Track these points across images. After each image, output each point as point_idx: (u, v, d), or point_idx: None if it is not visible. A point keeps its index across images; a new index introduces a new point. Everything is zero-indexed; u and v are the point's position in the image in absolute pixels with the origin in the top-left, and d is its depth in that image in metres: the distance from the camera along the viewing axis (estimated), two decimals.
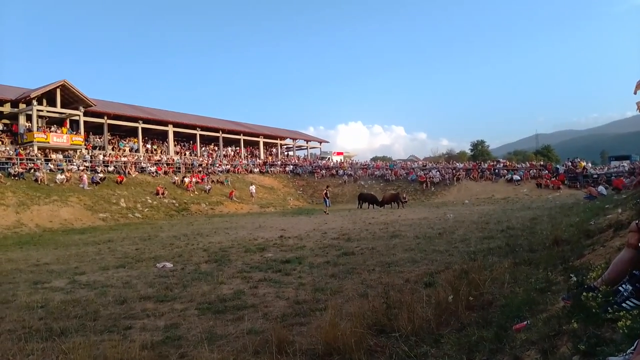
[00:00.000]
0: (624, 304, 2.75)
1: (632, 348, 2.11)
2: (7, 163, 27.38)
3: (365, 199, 29.66)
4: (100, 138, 39.66)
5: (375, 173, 44.04)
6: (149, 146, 43.06)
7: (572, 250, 6.24)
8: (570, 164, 37.73)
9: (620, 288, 2.95)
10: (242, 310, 5.70)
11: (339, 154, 68.76)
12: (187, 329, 5.04)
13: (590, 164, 39.03)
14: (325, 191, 29.13)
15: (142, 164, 35.91)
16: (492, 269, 6.23)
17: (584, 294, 3.05)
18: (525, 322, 3.53)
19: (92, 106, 36.47)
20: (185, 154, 44.74)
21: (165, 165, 37.48)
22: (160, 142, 45.26)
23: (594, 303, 2.92)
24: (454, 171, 40.84)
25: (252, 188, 35.87)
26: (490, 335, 3.47)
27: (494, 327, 3.68)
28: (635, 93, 9.23)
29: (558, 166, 39.39)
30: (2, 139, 32.56)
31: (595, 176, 33.95)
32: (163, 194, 30.64)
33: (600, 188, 24.17)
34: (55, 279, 8.63)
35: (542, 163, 43.87)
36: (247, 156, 51.08)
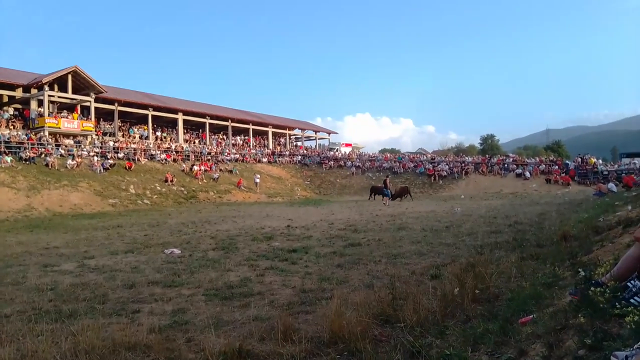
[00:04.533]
0: (632, 300, 2.75)
1: (639, 344, 2.11)
2: (18, 147, 27.67)
3: (377, 191, 29.11)
4: (110, 124, 39.89)
5: (384, 165, 43.95)
6: (158, 134, 43.27)
7: (580, 246, 6.21)
8: (580, 160, 37.39)
9: (628, 284, 2.94)
10: (249, 298, 5.74)
11: (347, 145, 68.63)
12: (194, 314, 5.08)
13: (600, 161, 38.63)
14: (385, 180, 27.49)
15: (152, 151, 36.11)
16: (498, 263, 6.23)
17: (592, 289, 3.04)
18: (531, 316, 3.53)
19: (102, 92, 36.65)
20: (194, 142, 44.91)
21: (174, 152, 37.66)
22: (170, 129, 45.45)
23: (601, 298, 2.91)
24: (463, 165, 40.66)
25: (257, 178, 35.90)
26: (495, 328, 3.47)
27: (500, 320, 3.69)
28: None
29: (568, 162, 39.04)
30: (14, 124, 32.86)
31: (606, 173, 33.63)
32: (172, 181, 30.84)
33: (610, 185, 23.94)
34: (65, 262, 8.73)
35: (552, 158, 43.48)
36: (255, 146, 51.16)
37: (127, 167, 30.63)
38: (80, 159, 29.02)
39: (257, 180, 35.64)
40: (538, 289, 4.25)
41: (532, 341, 3.05)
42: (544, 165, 37.84)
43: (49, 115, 32.92)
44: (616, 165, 37.23)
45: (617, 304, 2.76)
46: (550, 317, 3.21)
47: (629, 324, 2.41)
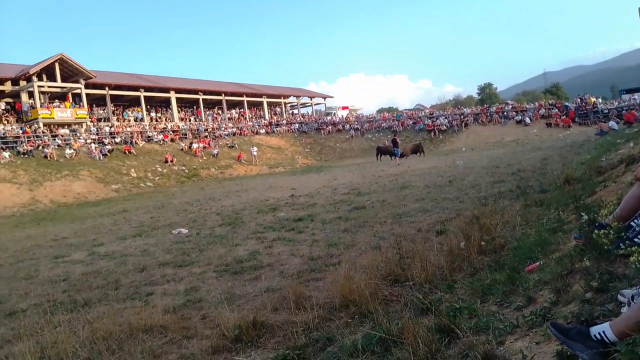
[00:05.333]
0: (636, 239, 2.75)
1: None
2: (15, 142, 27.54)
3: (383, 151, 28.65)
4: (103, 110, 39.52)
5: (382, 125, 43.64)
6: (153, 114, 42.89)
7: (583, 188, 6.21)
8: (580, 100, 36.98)
9: (632, 223, 2.94)
10: (259, 270, 5.82)
11: (344, 108, 68.02)
12: (206, 291, 5.16)
13: (600, 99, 38.19)
14: (395, 139, 26.35)
15: (148, 132, 35.90)
16: (503, 213, 6.25)
17: (596, 231, 3.05)
18: (537, 263, 3.56)
19: (92, 78, 36.15)
20: (189, 120, 44.54)
21: (171, 132, 37.43)
22: (164, 109, 45.01)
23: (605, 240, 2.92)
24: (462, 117, 40.30)
25: (254, 150, 35.71)
26: (503, 278, 3.51)
27: (507, 269, 3.73)
28: None
29: (567, 104, 38.63)
30: (7, 118, 32.59)
31: (606, 111, 33.30)
32: (172, 161, 30.81)
33: (611, 123, 23.78)
34: (75, 252, 8.83)
35: (551, 102, 43.04)
36: (252, 117, 50.77)
37: (125, 151, 30.53)
38: (78, 146, 28.92)
39: (255, 153, 35.48)
40: (543, 235, 4.27)
41: (539, 288, 3.08)
42: (543, 110, 37.46)
43: (41, 106, 32.57)
44: (616, 103, 36.80)
45: (621, 244, 2.77)
46: (556, 263, 3.23)
47: (634, 263, 2.42)
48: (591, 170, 7.58)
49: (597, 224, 3.24)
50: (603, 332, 1.91)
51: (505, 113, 39.05)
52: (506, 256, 4.29)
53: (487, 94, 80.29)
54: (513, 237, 4.95)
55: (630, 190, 3.32)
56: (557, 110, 36.70)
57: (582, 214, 4.07)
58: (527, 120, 36.17)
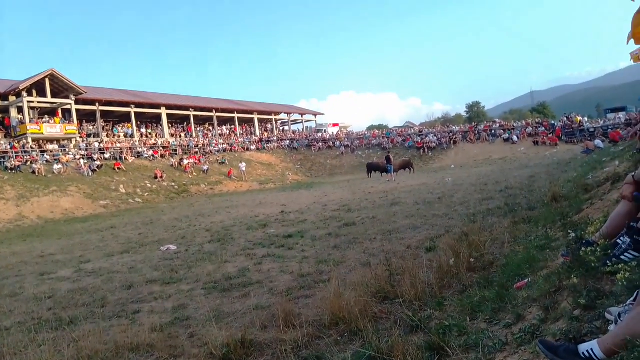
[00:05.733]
0: (622, 257, 2.78)
1: (632, 299, 2.14)
2: (3, 157, 27.25)
3: (374, 167, 28.85)
4: (93, 126, 39.35)
5: (372, 142, 43.92)
6: (143, 130, 42.75)
7: (570, 205, 6.28)
8: (566, 119, 37.57)
9: (618, 241, 2.97)
10: (248, 287, 5.77)
11: (335, 125, 68.36)
12: (194, 309, 5.10)
13: (586, 118, 38.83)
14: (388, 155, 26.41)
15: (138, 148, 35.72)
16: (491, 230, 6.30)
17: (583, 249, 3.08)
18: (526, 280, 3.58)
19: (82, 94, 36.05)
20: (180, 136, 44.45)
21: (161, 148, 37.30)
22: (155, 125, 44.92)
23: (593, 257, 2.94)
24: (451, 135, 40.71)
25: (242, 166, 35.67)
26: (492, 295, 3.51)
27: (496, 286, 3.73)
28: (627, 43, 9.09)
29: (554, 122, 39.22)
30: None
31: (592, 130, 33.85)
32: (162, 177, 30.64)
33: (597, 142, 24.15)
34: (61, 268, 8.69)
35: (538, 120, 43.66)
36: (242, 134, 50.81)
37: (115, 168, 30.32)
38: (66, 160, 28.67)
39: (243, 169, 35.46)
40: (531, 253, 4.30)
41: (528, 305, 3.09)
42: (530, 128, 37.99)
43: (30, 121, 32.35)
44: (602, 122, 37.45)
45: (608, 262, 2.80)
46: (545, 280, 3.25)
47: (621, 280, 2.44)
48: (578, 188, 7.68)
49: (584, 242, 3.27)
50: (591, 349, 1.92)
51: (493, 131, 39.53)
52: (495, 273, 4.31)
53: (475, 112, 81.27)
54: (502, 254, 4.97)
55: (616, 208, 3.37)
56: (544, 128, 37.24)
57: (569, 231, 4.11)
58: (515, 138, 36.64)
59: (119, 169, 30.35)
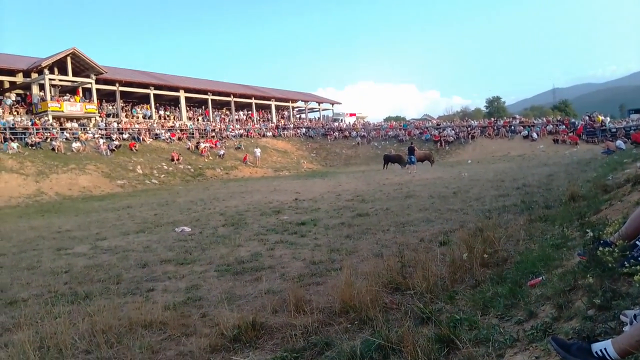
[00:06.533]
0: None
1: None
2: (24, 133, 27.75)
3: (391, 159, 28.44)
4: (112, 106, 39.78)
5: (389, 134, 43.67)
6: (161, 112, 43.10)
7: (588, 205, 6.19)
8: (588, 118, 36.88)
9: (637, 242, 2.93)
10: (260, 272, 5.81)
11: (351, 115, 68.06)
12: (207, 290, 5.16)
13: (608, 118, 38.06)
14: (412, 146, 25.21)
15: (156, 130, 36.07)
16: (507, 227, 6.24)
17: (600, 249, 3.04)
18: (540, 278, 3.55)
19: (102, 73, 36.41)
20: (197, 120, 44.74)
21: (178, 131, 37.60)
22: (173, 108, 45.24)
23: (610, 258, 2.91)
24: (469, 129, 40.28)
25: (257, 151, 35.84)
26: (504, 291, 3.49)
27: (509, 283, 3.71)
28: None
29: (575, 121, 38.54)
30: (17, 110, 32.85)
31: (614, 130, 33.21)
32: (178, 159, 30.93)
33: (619, 142, 23.70)
34: (78, 245, 8.86)
35: (559, 118, 42.94)
36: (259, 120, 50.91)
37: (131, 148, 30.65)
38: (85, 138, 29.09)
39: (258, 154, 35.61)
40: (547, 251, 4.26)
41: (541, 303, 3.07)
42: (551, 126, 37.41)
43: (51, 99, 32.83)
44: (624, 122, 36.67)
45: (625, 263, 2.76)
46: (559, 279, 3.22)
47: (638, 282, 2.41)
48: (597, 188, 7.57)
49: (601, 242, 3.23)
50: (605, 349, 1.91)
51: (512, 127, 39.01)
52: (509, 270, 4.28)
53: (495, 107, 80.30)
54: (516, 251, 4.93)
55: (637, 209, 3.31)
56: (564, 126, 36.65)
57: (586, 231, 4.06)
58: (535, 135, 36.11)
59: (134, 149, 30.62)
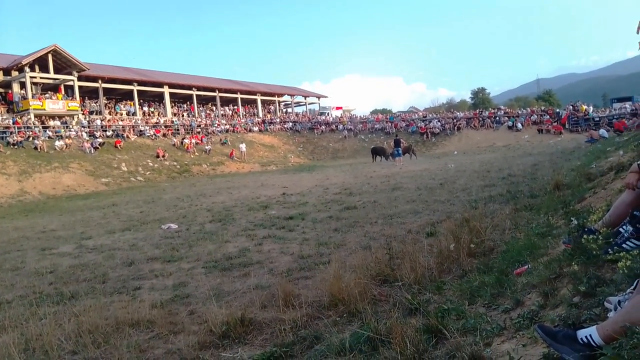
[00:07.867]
0: (624, 245, 2.77)
1: (632, 287, 2.14)
2: (4, 132, 27.24)
3: (379, 152, 28.53)
4: (96, 102, 39.20)
5: (376, 126, 43.70)
6: (145, 109, 42.59)
7: (573, 194, 6.27)
8: (571, 108, 37.30)
9: (620, 229, 2.96)
10: (248, 267, 5.79)
11: (338, 108, 67.95)
12: (195, 287, 5.13)
13: (592, 107, 38.52)
14: (398, 139, 25.49)
15: (140, 127, 35.65)
16: (493, 216, 6.29)
17: (585, 236, 3.07)
18: (526, 267, 3.58)
19: (85, 70, 35.85)
20: (182, 115, 44.31)
21: (163, 127, 37.20)
22: (157, 104, 44.73)
23: (594, 245, 2.94)
24: (455, 121, 40.49)
25: (243, 146, 35.56)
26: (491, 280, 3.52)
27: (495, 272, 3.75)
28: (637, 32, 8.97)
29: (559, 111, 38.95)
30: None
31: (597, 119, 33.61)
32: (163, 156, 30.64)
33: (602, 131, 24.07)
34: (63, 244, 8.74)
35: (543, 108, 43.37)
36: (245, 115, 50.59)
37: (116, 145, 30.27)
38: (69, 140, 28.64)
39: (244, 149, 35.37)
40: (532, 240, 4.30)
41: (527, 291, 3.10)
42: (535, 116, 37.74)
43: (32, 97, 32.23)
44: (607, 111, 37.18)
45: (609, 250, 2.79)
46: (545, 267, 3.25)
47: (622, 268, 2.43)
48: (581, 176, 7.66)
49: (586, 229, 3.26)
50: (590, 335, 1.93)
51: (497, 118, 39.29)
52: (495, 259, 4.32)
53: (480, 98, 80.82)
54: (502, 240, 4.98)
55: (620, 197, 3.35)
56: (548, 116, 37.01)
57: (571, 219, 4.10)
58: (519, 125, 36.43)
59: (119, 147, 30.24)
